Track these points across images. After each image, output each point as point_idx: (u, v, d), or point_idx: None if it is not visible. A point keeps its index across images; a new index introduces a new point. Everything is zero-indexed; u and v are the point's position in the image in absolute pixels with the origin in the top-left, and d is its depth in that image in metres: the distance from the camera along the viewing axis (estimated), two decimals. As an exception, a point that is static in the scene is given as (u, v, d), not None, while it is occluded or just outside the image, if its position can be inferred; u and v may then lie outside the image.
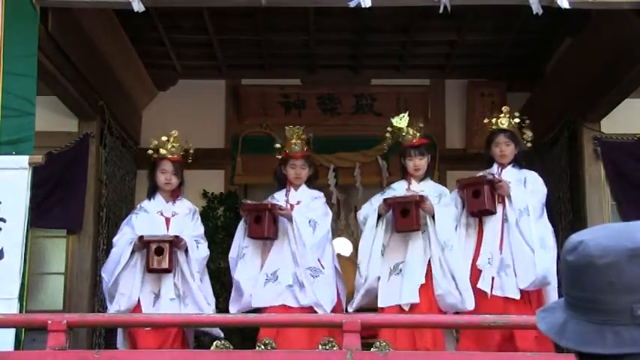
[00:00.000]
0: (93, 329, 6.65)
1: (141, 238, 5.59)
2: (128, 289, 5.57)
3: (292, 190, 5.92)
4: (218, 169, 8.67)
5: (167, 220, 5.82)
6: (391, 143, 6.04)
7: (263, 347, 4.81)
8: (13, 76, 5.02)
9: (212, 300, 5.78)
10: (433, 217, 5.52)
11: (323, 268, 5.65)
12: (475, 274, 5.53)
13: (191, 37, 8.00)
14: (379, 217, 5.63)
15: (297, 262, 5.63)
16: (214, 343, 4.79)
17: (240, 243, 5.80)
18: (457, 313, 5.41)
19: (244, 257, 5.73)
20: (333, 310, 5.61)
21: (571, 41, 7.31)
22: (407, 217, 5.48)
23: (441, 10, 4.99)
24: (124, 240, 5.73)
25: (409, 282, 5.43)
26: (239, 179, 8.61)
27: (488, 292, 5.43)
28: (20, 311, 4.72)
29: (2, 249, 4.72)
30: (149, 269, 5.54)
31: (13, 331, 4.70)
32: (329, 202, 6.72)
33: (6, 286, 4.69)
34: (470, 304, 5.35)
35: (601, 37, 6.41)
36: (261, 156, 7.68)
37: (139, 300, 5.58)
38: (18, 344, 4.75)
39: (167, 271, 5.54)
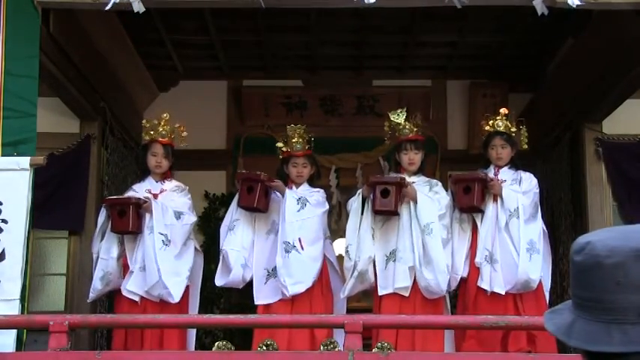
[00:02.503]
0: (95, 330, 6.64)
1: (105, 200, 5.78)
2: (105, 253, 5.70)
3: (294, 187, 5.94)
4: (220, 170, 8.68)
5: (155, 197, 5.83)
6: (391, 142, 6.04)
7: (265, 348, 4.81)
8: (15, 77, 5.02)
9: (184, 273, 5.65)
10: (416, 202, 5.57)
11: (302, 249, 5.63)
12: (474, 271, 5.56)
13: (193, 38, 8.00)
14: (364, 201, 5.66)
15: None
16: (216, 344, 4.79)
17: (233, 214, 5.85)
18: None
19: (234, 229, 5.79)
20: (324, 306, 5.64)
21: (573, 42, 7.30)
22: (386, 198, 5.50)
23: (459, 6, 4.98)
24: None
25: (401, 265, 5.52)
26: (240, 180, 8.61)
27: (489, 289, 5.47)
28: (22, 312, 4.72)
29: (4, 250, 4.73)
30: (113, 231, 5.69)
31: (14, 332, 4.70)
32: (330, 202, 6.72)
33: (8, 287, 4.70)
34: (444, 287, 5.46)
35: (602, 37, 6.40)
36: (262, 157, 7.67)
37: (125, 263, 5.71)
38: (19, 345, 4.75)
39: (132, 232, 5.64)
